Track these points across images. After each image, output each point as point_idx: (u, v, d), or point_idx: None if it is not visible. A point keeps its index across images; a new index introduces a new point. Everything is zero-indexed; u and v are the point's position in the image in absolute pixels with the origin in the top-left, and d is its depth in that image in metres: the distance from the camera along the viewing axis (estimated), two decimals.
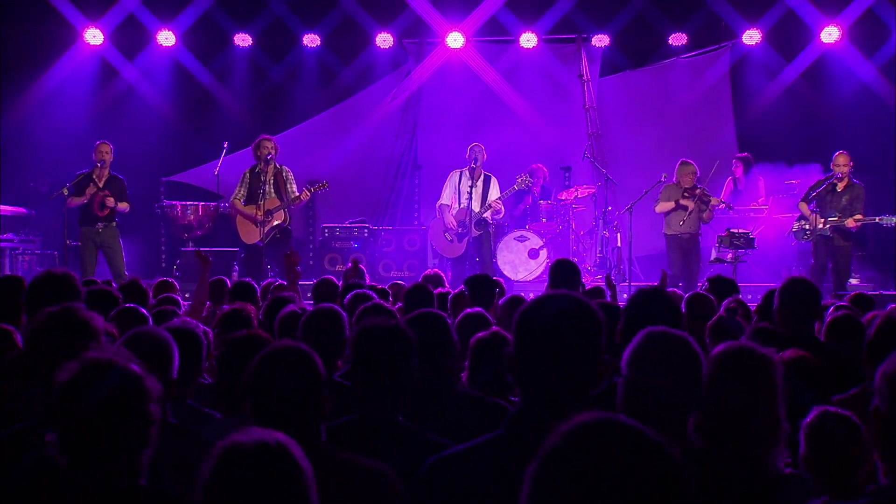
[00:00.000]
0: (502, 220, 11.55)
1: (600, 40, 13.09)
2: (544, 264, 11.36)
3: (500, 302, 5.64)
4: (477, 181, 10.81)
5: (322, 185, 10.47)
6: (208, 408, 3.60)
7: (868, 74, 12.62)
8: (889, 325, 3.42)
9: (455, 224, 10.84)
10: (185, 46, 13.17)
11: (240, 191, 10.35)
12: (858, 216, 9.82)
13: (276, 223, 10.22)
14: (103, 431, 2.18)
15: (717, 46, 13.17)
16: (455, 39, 13.00)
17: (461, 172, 10.92)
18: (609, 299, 5.96)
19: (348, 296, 5.34)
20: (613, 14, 13.07)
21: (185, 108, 13.46)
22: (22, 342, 3.85)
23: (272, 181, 10.25)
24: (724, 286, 5.83)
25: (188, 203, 11.81)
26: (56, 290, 3.88)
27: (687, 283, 10.11)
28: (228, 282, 6.77)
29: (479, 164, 10.75)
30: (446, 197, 11.00)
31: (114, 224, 10.35)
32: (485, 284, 5.79)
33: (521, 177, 11.02)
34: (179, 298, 6.28)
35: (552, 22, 13.05)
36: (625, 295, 7.93)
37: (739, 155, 12.06)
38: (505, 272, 11.22)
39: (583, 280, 6.77)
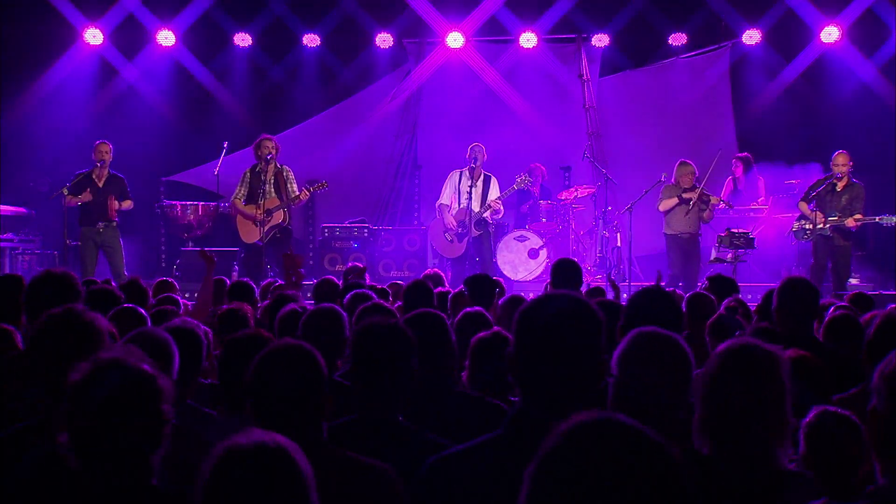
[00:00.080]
0: (502, 220, 11.55)
1: (600, 40, 13.09)
2: (544, 264, 11.37)
3: (499, 302, 5.64)
4: (477, 181, 10.81)
5: (321, 185, 10.47)
6: (208, 408, 3.60)
7: (868, 74, 12.62)
8: (889, 325, 3.42)
9: (455, 224, 10.84)
10: (184, 46, 13.17)
11: (240, 190, 10.35)
12: (858, 216, 9.83)
13: (275, 223, 10.22)
14: (117, 432, 2.19)
15: (716, 46, 13.16)
16: (455, 39, 13.00)
17: (461, 172, 10.93)
18: (612, 298, 5.96)
19: (348, 296, 5.35)
20: (613, 14, 13.07)
21: (185, 108, 13.46)
22: (22, 342, 3.85)
23: (272, 181, 10.26)
24: (723, 286, 5.84)
25: (188, 203, 11.81)
26: (56, 290, 3.87)
27: (687, 283, 10.11)
28: (228, 282, 6.77)
29: (478, 163, 10.75)
30: (446, 197, 11.00)
31: (114, 224, 10.37)
32: (485, 284, 5.80)
33: (520, 176, 11.02)
34: (179, 298, 6.29)
35: (552, 22, 13.05)
36: (624, 295, 7.92)
37: (739, 155, 12.06)
38: (505, 272, 11.22)
39: (584, 279, 6.77)
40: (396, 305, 5.23)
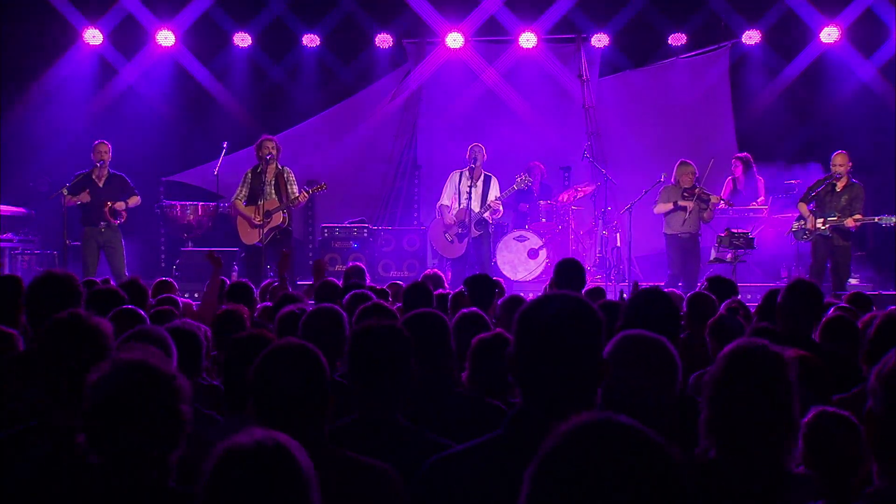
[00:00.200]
0: (502, 220, 11.55)
1: (600, 40, 13.08)
2: (544, 264, 11.37)
3: (498, 302, 5.64)
4: (477, 181, 10.82)
5: (321, 187, 10.47)
6: (207, 408, 3.60)
7: (867, 74, 12.62)
8: (889, 326, 3.42)
9: (455, 224, 10.84)
10: (184, 46, 13.17)
11: (241, 191, 10.36)
12: (858, 216, 9.82)
13: (275, 224, 10.22)
14: (136, 432, 2.19)
15: (716, 46, 13.16)
16: (454, 39, 13.00)
17: (461, 173, 10.93)
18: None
19: (347, 296, 5.35)
20: (613, 14, 13.07)
21: (184, 108, 13.46)
22: (22, 343, 3.85)
23: (273, 182, 10.26)
24: (722, 287, 5.84)
25: (188, 203, 11.82)
26: (56, 291, 3.88)
27: (687, 283, 10.11)
28: (228, 282, 6.77)
29: (478, 164, 10.76)
30: (447, 197, 11.00)
31: (116, 224, 10.39)
32: (484, 285, 5.80)
33: (520, 176, 11.02)
34: (179, 298, 6.29)
35: (552, 22, 13.04)
36: (624, 295, 7.93)
37: (739, 155, 12.05)
38: (504, 272, 11.22)
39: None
40: (396, 306, 5.23)
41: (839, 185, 9.94)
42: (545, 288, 7.58)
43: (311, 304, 5.32)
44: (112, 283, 6.73)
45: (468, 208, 10.72)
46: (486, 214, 10.79)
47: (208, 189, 11.86)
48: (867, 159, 11.09)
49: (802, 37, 12.80)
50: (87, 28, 12.85)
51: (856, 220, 9.80)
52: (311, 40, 13.30)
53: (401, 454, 2.65)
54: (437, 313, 3.62)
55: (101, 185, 10.36)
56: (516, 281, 11.26)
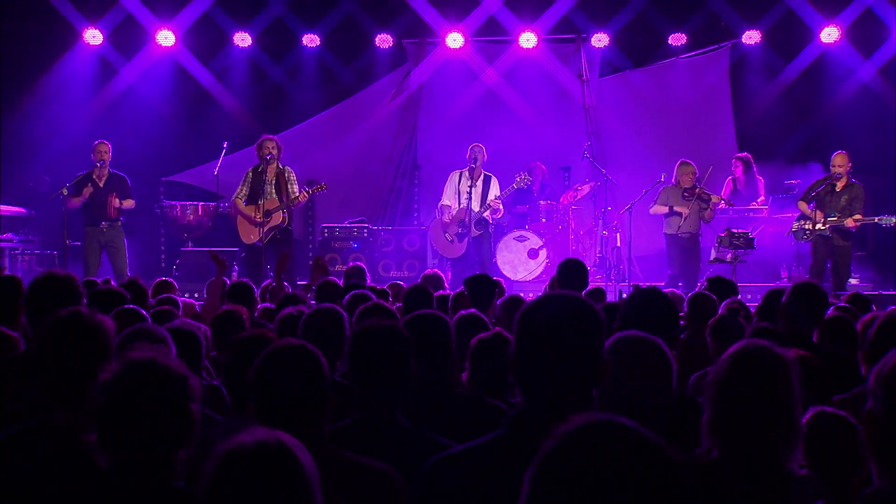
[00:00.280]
0: (502, 220, 11.55)
1: (600, 40, 13.08)
2: (544, 264, 11.37)
3: (497, 302, 5.64)
4: (477, 181, 10.82)
5: (320, 187, 10.47)
6: (206, 408, 3.60)
7: (867, 74, 12.62)
8: (890, 326, 3.42)
9: (455, 224, 10.84)
10: (184, 46, 13.16)
11: (242, 190, 10.36)
12: (858, 216, 9.83)
13: (274, 224, 10.22)
14: (148, 431, 2.20)
15: (716, 46, 13.16)
16: (454, 39, 13.00)
17: (461, 173, 10.94)
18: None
19: (347, 296, 5.35)
20: (613, 14, 13.06)
21: (184, 108, 13.45)
22: (23, 342, 3.85)
23: (274, 181, 10.26)
24: (723, 287, 5.84)
25: (188, 203, 11.82)
26: (57, 291, 3.88)
27: (687, 283, 10.12)
28: (228, 282, 6.77)
29: (478, 164, 10.76)
30: (447, 198, 11.01)
31: (119, 223, 10.41)
32: (484, 285, 5.80)
33: (519, 175, 11.02)
34: (178, 298, 6.29)
35: (552, 22, 13.04)
36: (624, 296, 7.94)
37: (739, 155, 12.05)
38: (504, 272, 11.22)
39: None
40: (396, 306, 5.23)
41: (839, 186, 9.95)
42: (545, 288, 7.58)
43: (312, 303, 5.32)
44: (113, 283, 6.73)
45: (468, 208, 10.73)
46: (486, 214, 10.79)
47: (208, 189, 11.86)
48: (867, 159, 11.09)
49: (802, 37, 12.80)
50: (87, 28, 12.85)
51: (856, 221, 9.81)
52: (311, 40, 13.30)
53: (401, 454, 2.65)
54: (439, 315, 3.63)
55: (101, 184, 10.37)
56: (516, 281, 11.26)
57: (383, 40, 13.30)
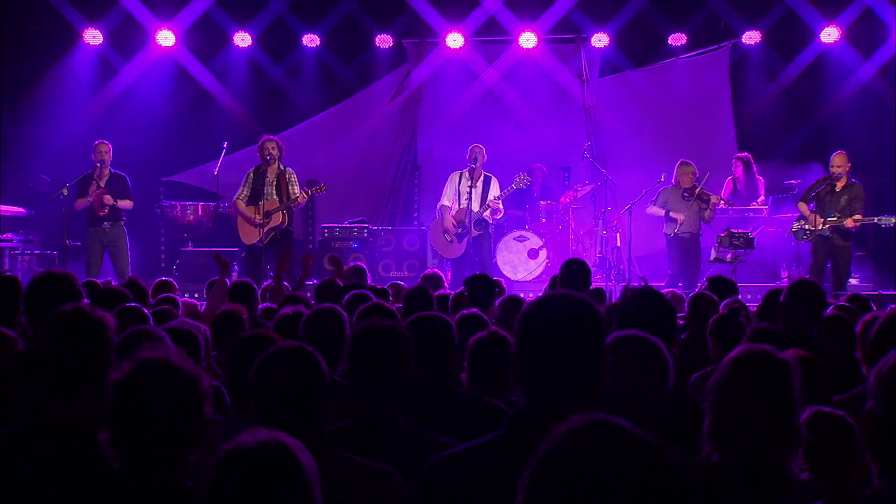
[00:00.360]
0: (502, 220, 11.55)
1: (600, 40, 13.08)
2: (544, 264, 11.38)
3: (497, 302, 5.63)
4: (476, 181, 10.82)
5: (320, 188, 10.47)
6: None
7: (867, 74, 12.62)
8: (891, 326, 3.41)
9: (455, 224, 10.84)
10: (184, 46, 13.16)
11: (243, 190, 10.36)
12: (857, 216, 9.83)
13: (274, 224, 10.22)
14: (162, 431, 2.20)
15: (716, 46, 13.16)
16: (454, 39, 13.00)
17: (461, 174, 10.94)
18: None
19: (347, 296, 5.35)
20: (613, 14, 13.07)
21: (184, 108, 13.45)
22: (22, 342, 3.85)
23: (274, 182, 10.27)
24: (723, 287, 5.84)
25: (188, 203, 11.82)
26: (56, 291, 3.87)
27: (687, 283, 10.12)
28: (228, 282, 6.77)
29: (478, 164, 10.77)
30: (447, 198, 11.01)
31: (121, 223, 10.41)
32: (484, 285, 5.80)
33: (519, 176, 11.02)
34: (178, 298, 6.29)
35: (552, 22, 13.04)
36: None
37: (739, 155, 12.05)
38: (504, 272, 11.22)
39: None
40: (396, 306, 5.23)
41: (839, 186, 9.95)
42: (545, 288, 7.58)
43: (312, 303, 5.32)
44: (113, 283, 6.73)
45: (468, 209, 10.73)
46: (486, 214, 10.79)
47: (208, 189, 11.86)
48: (867, 159, 11.09)
49: (802, 37, 12.81)
50: (88, 28, 12.85)
51: (856, 221, 9.81)
52: (311, 40, 13.30)
53: (401, 454, 2.66)
54: (442, 316, 3.63)
55: (102, 184, 10.37)
56: (516, 281, 11.26)
57: (383, 40, 13.30)
